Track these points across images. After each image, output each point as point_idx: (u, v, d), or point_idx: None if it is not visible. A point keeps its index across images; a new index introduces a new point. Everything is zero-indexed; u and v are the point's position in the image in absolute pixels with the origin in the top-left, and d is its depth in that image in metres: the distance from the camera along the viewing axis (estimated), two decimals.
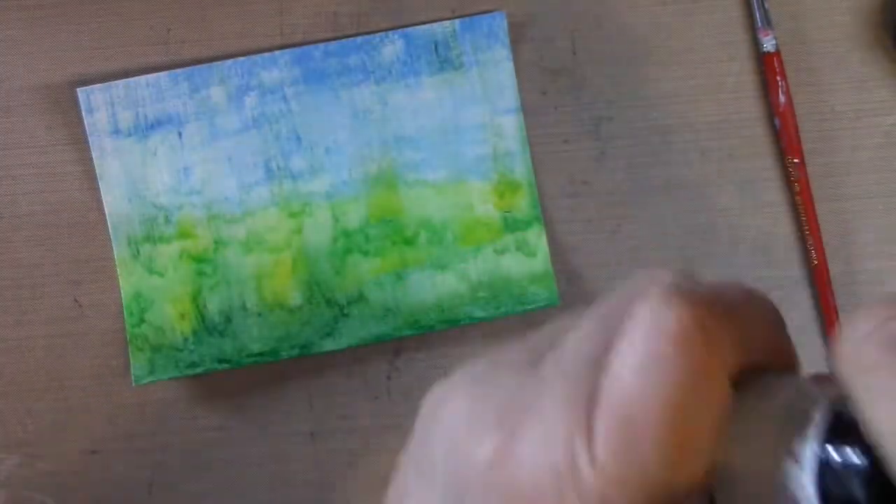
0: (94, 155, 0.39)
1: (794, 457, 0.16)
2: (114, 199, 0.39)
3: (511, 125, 0.40)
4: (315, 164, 0.40)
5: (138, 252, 0.39)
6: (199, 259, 0.39)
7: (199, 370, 0.39)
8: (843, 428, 0.16)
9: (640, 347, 0.17)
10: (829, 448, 0.16)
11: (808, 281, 0.40)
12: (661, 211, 0.40)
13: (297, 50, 0.40)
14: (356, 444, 0.39)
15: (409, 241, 0.39)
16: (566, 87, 0.40)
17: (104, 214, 0.39)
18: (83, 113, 0.39)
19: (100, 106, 0.39)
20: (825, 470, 0.16)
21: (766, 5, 0.39)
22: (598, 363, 0.18)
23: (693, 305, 0.18)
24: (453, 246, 0.39)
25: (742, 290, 0.20)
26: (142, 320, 0.39)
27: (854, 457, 0.15)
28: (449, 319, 0.39)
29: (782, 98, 0.39)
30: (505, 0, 0.40)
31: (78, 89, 0.39)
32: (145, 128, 0.40)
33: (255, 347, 0.39)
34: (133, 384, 0.39)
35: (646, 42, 0.40)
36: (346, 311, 0.39)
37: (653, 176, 0.40)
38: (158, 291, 0.39)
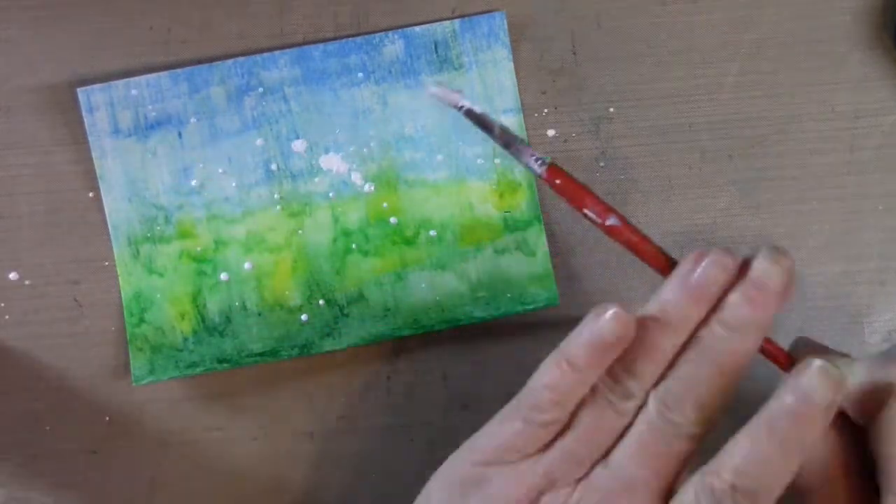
0: (94, 155, 0.40)
1: None
2: (114, 199, 0.39)
3: (511, 125, 0.40)
4: (315, 164, 0.40)
5: (138, 252, 0.39)
6: (199, 259, 0.39)
7: (199, 370, 0.39)
8: None
9: None
10: None
11: (807, 281, 0.40)
12: (661, 211, 0.40)
13: (297, 50, 0.40)
14: (356, 444, 0.40)
15: (409, 241, 0.39)
16: (566, 87, 0.40)
17: (104, 214, 0.39)
18: (83, 113, 0.39)
19: (100, 106, 0.39)
20: None
21: None
22: None
23: None
24: (453, 246, 0.39)
25: None
26: (142, 320, 0.39)
27: None
28: (449, 319, 0.39)
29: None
30: (505, 0, 0.40)
31: (78, 89, 0.39)
32: (145, 128, 0.40)
33: (255, 347, 0.39)
34: (133, 384, 0.39)
35: (646, 42, 0.40)
36: (346, 311, 0.39)
37: (653, 176, 0.40)
38: (158, 291, 0.39)
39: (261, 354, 0.39)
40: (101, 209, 0.40)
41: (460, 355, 0.40)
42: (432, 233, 0.39)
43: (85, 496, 0.39)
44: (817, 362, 0.25)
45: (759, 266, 0.26)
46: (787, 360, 0.29)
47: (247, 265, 0.39)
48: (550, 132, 0.40)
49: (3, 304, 0.40)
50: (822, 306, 0.40)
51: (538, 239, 0.39)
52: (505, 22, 0.40)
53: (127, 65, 0.40)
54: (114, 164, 0.39)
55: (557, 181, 0.29)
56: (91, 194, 0.40)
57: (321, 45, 0.40)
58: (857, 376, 0.28)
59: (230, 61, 0.40)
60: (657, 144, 0.40)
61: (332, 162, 0.40)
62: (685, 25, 0.40)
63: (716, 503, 0.24)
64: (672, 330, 0.27)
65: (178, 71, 0.40)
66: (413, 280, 0.39)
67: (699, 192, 0.40)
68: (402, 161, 0.40)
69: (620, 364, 0.27)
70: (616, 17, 0.40)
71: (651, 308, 0.27)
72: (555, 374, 0.27)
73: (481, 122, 0.29)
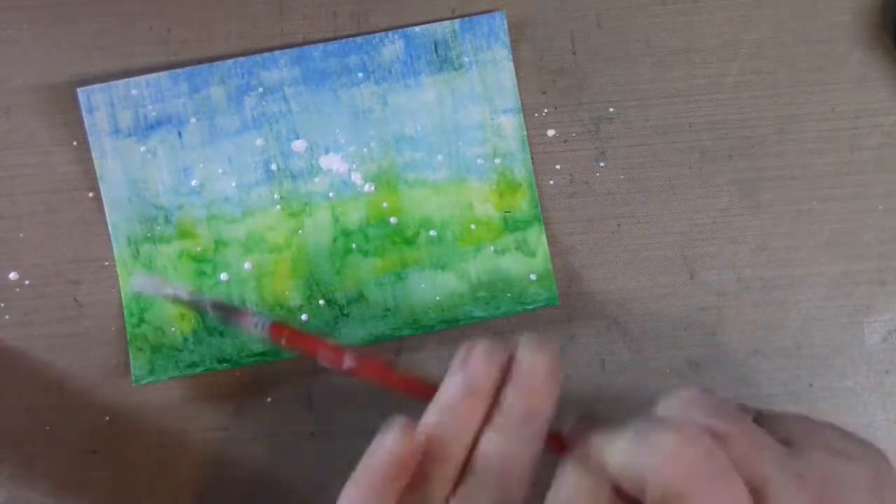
0: (94, 155, 0.39)
1: None
2: (114, 199, 0.39)
3: (511, 125, 0.40)
4: (315, 164, 0.40)
5: (138, 252, 0.39)
6: (199, 259, 0.39)
7: (199, 370, 0.39)
8: None
9: None
10: None
11: (807, 281, 0.40)
12: (661, 211, 0.40)
13: (297, 50, 0.40)
14: (356, 444, 0.39)
15: (409, 241, 0.39)
16: (566, 87, 0.40)
17: (104, 214, 0.39)
18: (83, 113, 0.39)
19: (100, 106, 0.39)
20: None
21: None
22: None
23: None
24: (453, 246, 0.39)
25: None
26: (142, 320, 0.39)
27: None
28: (449, 319, 0.39)
29: None
30: (505, 0, 0.40)
31: (78, 89, 0.39)
32: (145, 128, 0.40)
33: (255, 347, 0.39)
34: (133, 384, 0.39)
35: (646, 42, 0.40)
36: (346, 311, 0.39)
37: (653, 176, 0.40)
38: None
39: (261, 354, 0.39)
40: (101, 209, 0.40)
41: None
42: (432, 233, 0.39)
43: (85, 496, 0.39)
44: (571, 466, 0.26)
45: (525, 358, 0.27)
46: (559, 441, 0.28)
47: (247, 265, 0.39)
48: (550, 132, 0.40)
49: (3, 304, 0.40)
50: (822, 306, 0.40)
51: (538, 239, 0.39)
52: (505, 22, 0.40)
53: (127, 65, 0.40)
54: (114, 164, 0.39)
55: (283, 339, 0.28)
56: (91, 194, 0.40)
57: (321, 45, 0.40)
58: (619, 454, 0.27)
59: (230, 61, 0.40)
60: (657, 144, 0.40)
61: (332, 162, 0.40)
62: (685, 25, 0.40)
63: None
64: (456, 435, 0.27)
65: (178, 71, 0.40)
66: (413, 280, 0.39)
67: (699, 192, 0.40)
68: (402, 161, 0.40)
69: (416, 475, 0.27)
70: (616, 17, 0.40)
71: (432, 416, 0.27)
72: (356, 500, 0.27)
73: (192, 306, 0.29)
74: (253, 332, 0.28)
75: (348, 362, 0.28)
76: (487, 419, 0.27)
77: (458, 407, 0.27)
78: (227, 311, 0.29)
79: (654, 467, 0.25)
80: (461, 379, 0.27)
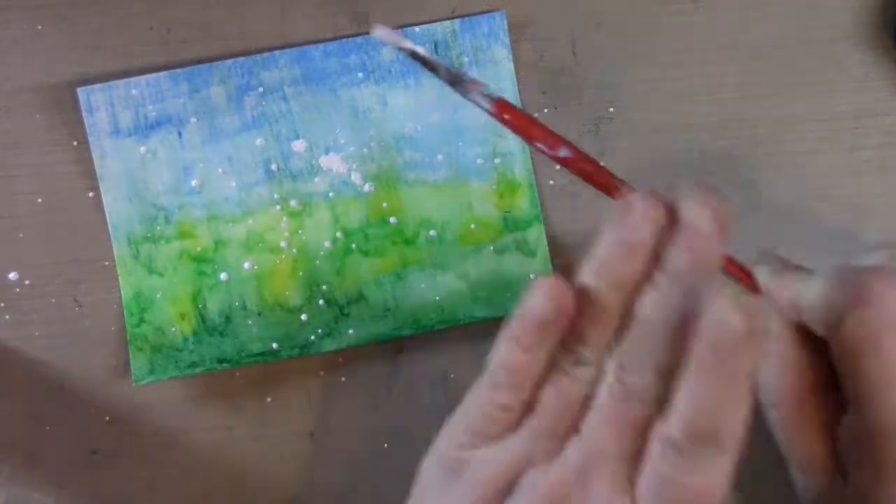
0: (94, 155, 0.40)
1: None
2: (114, 199, 0.39)
3: None
4: (315, 164, 0.40)
5: (138, 252, 0.39)
6: (199, 259, 0.39)
7: (199, 370, 0.39)
8: None
9: None
10: None
11: None
12: None
13: (297, 50, 0.40)
14: (356, 444, 0.40)
15: (409, 241, 0.39)
16: (566, 87, 0.40)
17: (104, 214, 0.39)
18: (83, 113, 0.39)
19: (100, 106, 0.39)
20: None
21: None
22: None
23: None
24: (453, 246, 0.39)
25: None
26: (142, 320, 0.39)
27: None
28: (449, 319, 0.39)
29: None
30: (505, 0, 0.40)
31: (78, 89, 0.39)
32: (145, 128, 0.40)
33: (255, 347, 0.39)
34: (133, 384, 0.39)
35: (646, 42, 0.40)
36: (346, 311, 0.39)
37: (653, 176, 0.40)
38: (158, 291, 0.39)
39: (261, 354, 0.39)
40: (101, 209, 0.40)
41: (461, 355, 0.40)
42: (432, 233, 0.39)
43: (85, 496, 0.39)
44: (725, 293, 0.23)
45: (690, 212, 0.25)
46: (750, 279, 0.28)
47: (247, 265, 0.39)
48: None
49: (2, 304, 0.40)
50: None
51: (538, 239, 0.39)
52: (505, 22, 0.40)
53: (127, 65, 0.40)
54: (114, 164, 0.39)
55: (506, 116, 0.28)
56: (91, 194, 0.40)
57: (321, 45, 0.40)
58: (815, 290, 0.27)
59: (230, 61, 0.40)
60: (657, 144, 0.40)
61: (332, 162, 0.40)
62: (685, 25, 0.40)
63: (681, 455, 0.23)
64: (613, 290, 0.25)
65: (178, 71, 0.40)
66: (413, 280, 0.39)
67: None
68: (402, 161, 0.40)
69: (570, 332, 0.26)
70: (616, 17, 0.40)
71: (588, 270, 0.26)
72: (506, 354, 0.26)
73: (426, 63, 0.28)
74: (477, 102, 0.28)
75: (563, 152, 0.27)
76: (648, 278, 0.25)
77: (613, 263, 0.25)
78: (459, 77, 0.28)
79: (857, 302, 0.25)
80: (616, 235, 0.25)
